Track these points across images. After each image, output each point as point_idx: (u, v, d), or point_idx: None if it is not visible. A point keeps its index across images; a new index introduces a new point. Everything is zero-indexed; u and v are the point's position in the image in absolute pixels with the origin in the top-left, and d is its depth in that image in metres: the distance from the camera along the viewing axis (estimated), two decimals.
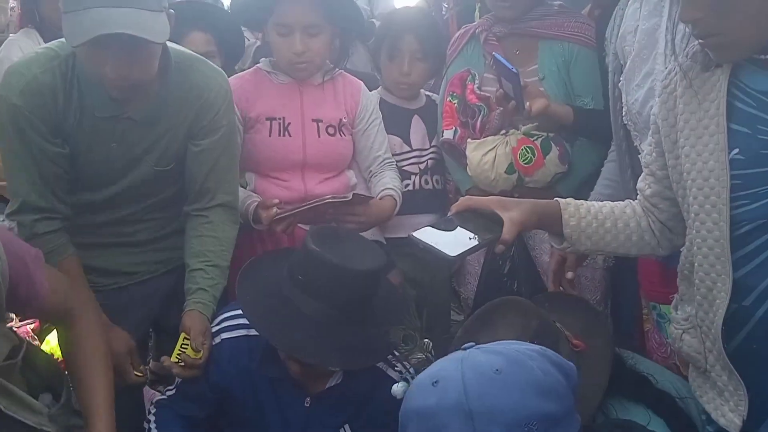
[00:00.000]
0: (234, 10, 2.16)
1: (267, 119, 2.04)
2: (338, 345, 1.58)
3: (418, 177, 2.28)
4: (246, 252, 2.01)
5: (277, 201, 1.95)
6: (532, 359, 1.12)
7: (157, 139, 1.73)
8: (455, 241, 1.29)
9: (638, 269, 1.85)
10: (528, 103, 1.80)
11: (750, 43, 1.13)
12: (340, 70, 2.16)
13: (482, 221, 1.33)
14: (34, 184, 1.65)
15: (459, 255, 1.30)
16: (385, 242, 2.20)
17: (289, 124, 2.04)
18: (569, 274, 1.86)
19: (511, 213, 1.31)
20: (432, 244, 1.29)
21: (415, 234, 1.34)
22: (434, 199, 2.30)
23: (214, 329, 1.71)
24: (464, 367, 1.11)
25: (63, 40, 1.64)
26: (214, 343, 1.69)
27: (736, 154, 1.15)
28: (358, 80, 2.20)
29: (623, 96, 1.67)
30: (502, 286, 2.11)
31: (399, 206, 2.10)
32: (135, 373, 1.74)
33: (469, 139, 2.05)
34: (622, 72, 1.67)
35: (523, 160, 1.96)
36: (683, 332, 1.34)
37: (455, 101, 2.11)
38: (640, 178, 1.41)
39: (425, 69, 2.25)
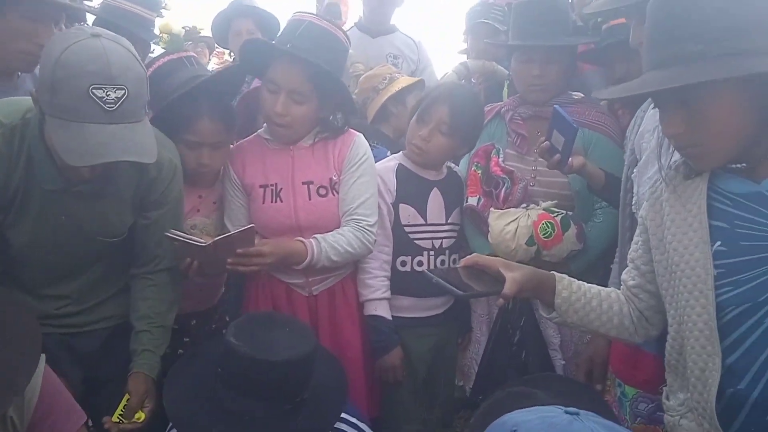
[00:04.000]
0: (242, 50, 2.10)
1: (260, 186, 2.06)
2: None
3: (433, 255, 2.20)
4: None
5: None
6: None
7: (105, 212, 1.75)
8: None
9: (611, 344, 1.97)
10: (570, 159, 1.92)
11: (725, 153, 1.29)
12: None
13: (486, 277, 1.48)
14: None
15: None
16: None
17: (280, 189, 2.04)
18: (598, 387, 1.98)
19: (514, 273, 1.46)
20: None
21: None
22: None
23: None
24: None
25: (10, 105, 1.64)
26: None
27: (719, 246, 1.29)
28: (355, 133, 2.12)
29: (635, 187, 1.83)
30: (510, 354, 2.17)
31: (318, 256, 1.97)
32: None
33: (492, 208, 2.14)
34: (635, 166, 1.85)
35: (543, 234, 2.05)
36: (680, 418, 1.41)
37: (479, 171, 2.21)
38: (624, 271, 1.56)
39: (445, 144, 2.17)
